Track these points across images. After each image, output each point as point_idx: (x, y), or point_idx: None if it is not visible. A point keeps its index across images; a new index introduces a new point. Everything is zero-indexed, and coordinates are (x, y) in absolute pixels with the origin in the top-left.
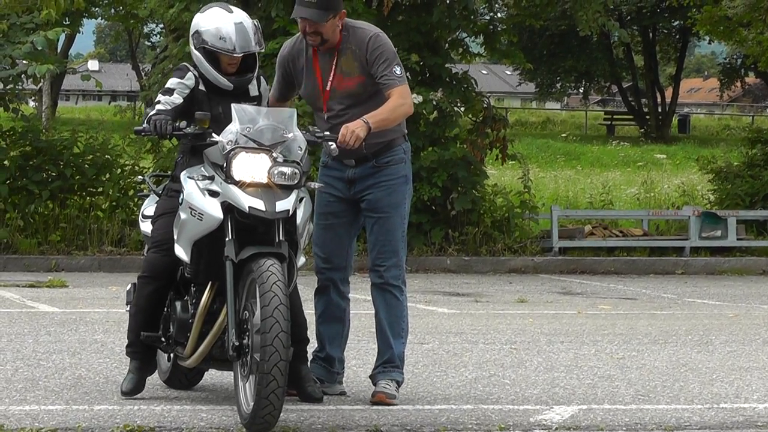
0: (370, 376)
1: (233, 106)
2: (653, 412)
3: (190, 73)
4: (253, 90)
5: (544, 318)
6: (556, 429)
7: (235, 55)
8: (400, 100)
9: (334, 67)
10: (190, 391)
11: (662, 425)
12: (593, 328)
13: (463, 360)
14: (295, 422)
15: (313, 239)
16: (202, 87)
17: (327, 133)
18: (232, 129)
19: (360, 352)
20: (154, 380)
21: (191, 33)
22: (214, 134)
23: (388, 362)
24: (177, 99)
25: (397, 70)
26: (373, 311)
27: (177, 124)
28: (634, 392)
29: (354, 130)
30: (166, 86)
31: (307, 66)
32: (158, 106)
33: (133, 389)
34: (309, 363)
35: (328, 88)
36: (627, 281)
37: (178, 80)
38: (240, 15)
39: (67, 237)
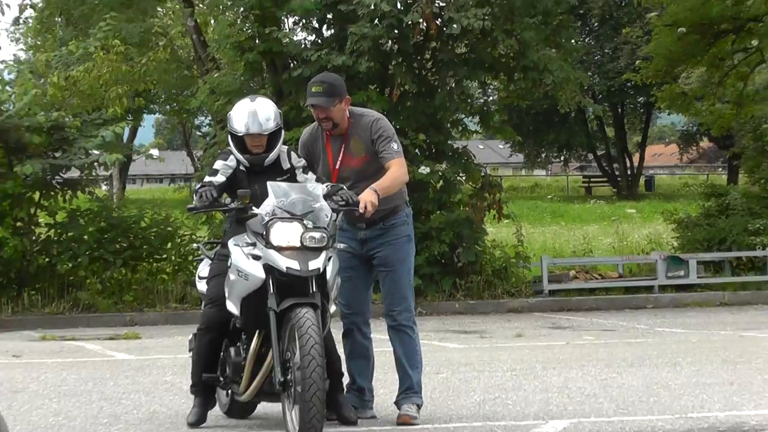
0: (395, 402)
1: (269, 183)
2: (632, 423)
3: (232, 156)
4: (285, 164)
5: (538, 349)
6: None
7: (240, 134)
8: (399, 169)
9: (342, 149)
10: (246, 420)
11: None
12: (579, 355)
13: (472, 386)
14: None
15: None
16: (242, 167)
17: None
18: (269, 202)
19: (386, 383)
20: (216, 412)
21: None
22: (254, 208)
23: (409, 389)
24: (221, 178)
25: (394, 146)
26: (392, 349)
27: (224, 201)
28: (616, 407)
29: (370, 200)
30: (213, 167)
31: (322, 149)
32: (204, 181)
33: (197, 420)
34: (345, 392)
35: (337, 167)
36: (606, 316)
37: (222, 162)
38: (258, 104)
39: (138, 296)
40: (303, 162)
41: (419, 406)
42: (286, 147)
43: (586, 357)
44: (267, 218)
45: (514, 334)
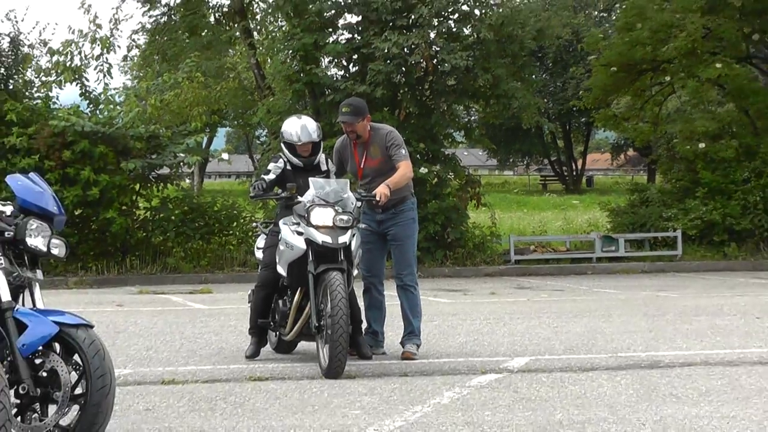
0: (401, 342)
1: (310, 179)
2: (576, 360)
3: (281, 159)
4: (323, 166)
5: (507, 303)
6: (517, 371)
7: (297, 144)
8: (405, 169)
9: (365, 153)
10: (290, 354)
11: (582, 368)
12: (537, 308)
13: (457, 330)
14: (355, 371)
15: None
16: (289, 167)
17: (365, 193)
18: (310, 193)
19: (394, 328)
20: (267, 348)
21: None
22: (299, 197)
23: (411, 333)
24: (272, 176)
25: (403, 151)
26: (399, 303)
27: (276, 191)
28: (565, 347)
29: (384, 192)
30: (267, 167)
31: (350, 153)
32: (260, 178)
33: (253, 354)
34: (363, 335)
35: (362, 166)
36: (557, 279)
37: (274, 164)
38: (305, 120)
39: (211, 262)
40: (334, 168)
41: (418, 346)
42: (323, 154)
43: (543, 310)
44: (308, 204)
45: (489, 292)
